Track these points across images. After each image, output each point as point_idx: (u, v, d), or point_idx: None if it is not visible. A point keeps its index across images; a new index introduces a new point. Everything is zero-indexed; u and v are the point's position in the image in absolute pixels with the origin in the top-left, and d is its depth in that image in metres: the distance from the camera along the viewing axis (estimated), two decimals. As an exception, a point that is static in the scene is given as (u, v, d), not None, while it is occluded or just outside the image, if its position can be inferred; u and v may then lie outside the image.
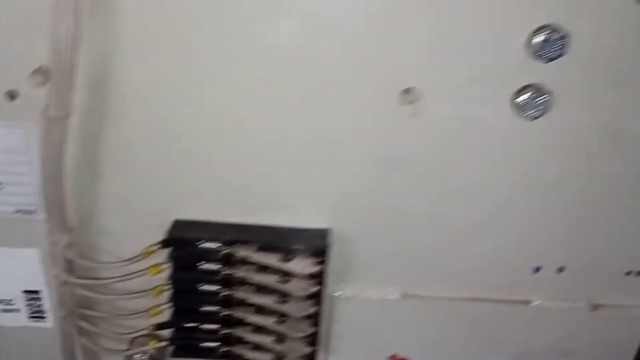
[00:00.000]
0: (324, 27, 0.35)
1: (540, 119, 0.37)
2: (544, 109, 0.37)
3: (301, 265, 0.40)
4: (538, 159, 0.40)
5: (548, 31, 0.35)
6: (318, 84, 0.37)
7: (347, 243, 0.43)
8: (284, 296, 0.41)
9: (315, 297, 0.41)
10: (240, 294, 0.41)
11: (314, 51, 0.36)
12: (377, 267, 0.44)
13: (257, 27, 0.35)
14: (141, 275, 0.41)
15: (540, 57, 0.35)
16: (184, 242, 0.40)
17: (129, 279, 0.42)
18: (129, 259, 0.41)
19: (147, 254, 0.41)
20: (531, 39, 0.35)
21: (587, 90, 0.37)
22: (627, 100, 0.38)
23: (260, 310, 0.42)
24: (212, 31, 0.36)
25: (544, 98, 0.37)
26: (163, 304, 0.43)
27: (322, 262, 0.40)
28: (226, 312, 0.42)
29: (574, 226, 0.42)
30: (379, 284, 0.44)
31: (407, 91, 0.37)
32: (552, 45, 0.35)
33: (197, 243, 0.40)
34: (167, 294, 0.42)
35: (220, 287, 0.41)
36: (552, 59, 0.35)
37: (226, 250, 0.40)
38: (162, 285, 0.42)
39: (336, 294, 0.44)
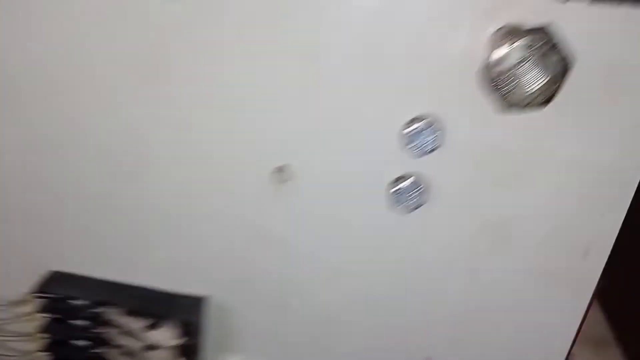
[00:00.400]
0: (204, 96, 0.34)
1: (418, 211, 0.35)
2: (419, 201, 0.34)
3: (165, 335, 0.38)
4: (420, 251, 0.37)
5: (422, 122, 0.32)
6: (195, 152, 0.36)
7: (227, 313, 0.41)
8: (149, 363, 0.40)
9: (184, 367, 0.40)
10: (109, 353, 0.41)
11: (192, 114, 0.35)
12: (257, 340, 0.42)
13: (118, 92, 0.35)
14: (18, 321, 0.41)
15: (414, 148, 0.33)
16: (55, 297, 0.40)
17: (5, 323, 0.42)
18: (6, 304, 0.41)
19: (24, 302, 0.41)
20: (405, 130, 0.33)
21: (469, 186, 0.34)
22: (515, 200, 0.34)
23: (129, 372, 0.41)
24: (66, 93, 0.35)
25: (419, 190, 0.34)
26: (42, 350, 0.43)
27: (189, 334, 0.39)
28: (98, 369, 0.41)
29: (461, 323, 0.39)
30: (259, 358, 0.43)
31: (280, 169, 0.36)
32: (425, 137, 0.33)
33: (68, 299, 0.40)
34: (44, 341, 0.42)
35: (91, 343, 0.41)
36: (425, 152, 0.33)
37: (96, 310, 0.39)
38: (40, 332, 0.42)
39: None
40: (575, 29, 0.29)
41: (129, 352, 0.40)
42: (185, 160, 0.36)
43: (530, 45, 0.26)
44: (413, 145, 0.33)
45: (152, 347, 0.39)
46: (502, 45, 0.27)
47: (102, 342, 0.40)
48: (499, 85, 0.27)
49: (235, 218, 0.37)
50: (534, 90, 0.27)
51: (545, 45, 0.26)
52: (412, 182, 0.34)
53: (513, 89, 0.27)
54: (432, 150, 0.33)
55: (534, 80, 0.27)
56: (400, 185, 0.34)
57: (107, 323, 0.40)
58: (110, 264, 0.40)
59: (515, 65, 0.26)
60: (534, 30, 0.26)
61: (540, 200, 0.34)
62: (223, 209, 0.37)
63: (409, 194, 0.34)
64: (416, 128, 0.32)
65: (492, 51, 0.27)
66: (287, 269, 0.39)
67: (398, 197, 0.35)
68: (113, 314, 0.39)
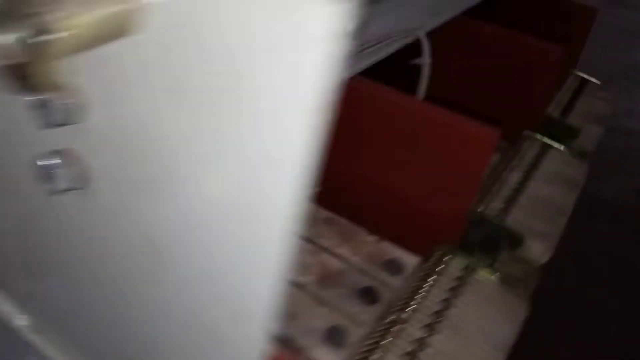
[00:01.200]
0: None
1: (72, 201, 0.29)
2: (69, 185, 0.29)
3: None
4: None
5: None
6: None
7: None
8: None
9: None
10: None
11: None
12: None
13: None
14: None
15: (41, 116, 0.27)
16: None
17: None
18: None
19: None
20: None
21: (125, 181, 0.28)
22: (163, 212, 0.27)
23: None
24: None
25: (67, 173, 0.29)
26: None
27: None
28: None
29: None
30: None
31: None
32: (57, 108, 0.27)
33: None
34: None
35: None
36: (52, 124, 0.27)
37: None
38: None
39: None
40: None
41: None
42: None
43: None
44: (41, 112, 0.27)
45: None
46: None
47: None
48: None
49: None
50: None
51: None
52: (58, 160, 0.29)
53: None
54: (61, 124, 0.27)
55: None
56: (48, 161, 0.29)
57: None
58: None
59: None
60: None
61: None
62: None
63: (56, 175, 0.29)
64: (46, 99, 0.27)
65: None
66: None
67: (45, 174, 0.29)
68: None
